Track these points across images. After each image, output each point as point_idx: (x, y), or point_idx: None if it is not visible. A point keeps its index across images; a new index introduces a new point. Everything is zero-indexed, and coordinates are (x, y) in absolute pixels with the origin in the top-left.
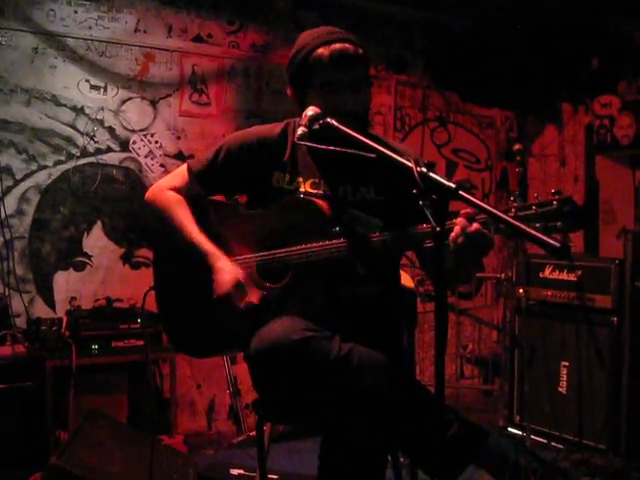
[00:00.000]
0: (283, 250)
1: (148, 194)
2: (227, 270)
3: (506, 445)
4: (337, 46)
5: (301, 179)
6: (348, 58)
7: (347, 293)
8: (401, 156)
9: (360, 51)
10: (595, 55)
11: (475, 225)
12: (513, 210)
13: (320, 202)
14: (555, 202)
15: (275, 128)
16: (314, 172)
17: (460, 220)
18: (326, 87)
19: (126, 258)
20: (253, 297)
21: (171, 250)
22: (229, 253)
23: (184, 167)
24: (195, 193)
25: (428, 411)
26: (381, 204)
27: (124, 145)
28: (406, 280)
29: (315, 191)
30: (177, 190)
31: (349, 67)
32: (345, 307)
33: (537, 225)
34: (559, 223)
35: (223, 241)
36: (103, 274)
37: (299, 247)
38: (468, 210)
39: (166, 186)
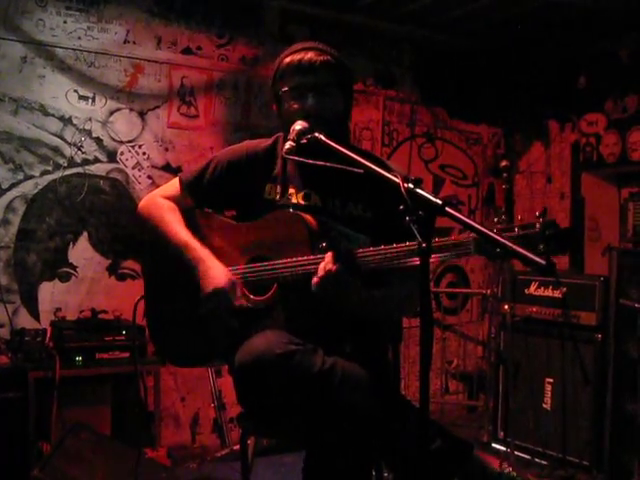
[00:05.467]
0: (269, 263)
1: (141, 203)
2: (218, 268)
3: (488, 464)
4: (300, 54)
5: (293, 191)
6: (310, 63)
7: (331, 308)
8: (389, 172)
9: (326, 57)
10: (582, 73)
11: (336, 266)
12: (495, 230)
13: (308, 217)
14: (538, 225)
15: (264, 142)
16: (305, 184)
17: (328, 255)
18: (292, 93)
19: (112, 269)
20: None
21: (160, 258)
22: None
23: (176, 179)
24: (187, 205)
25: (412, 425)
26: (368, 221)
27: (112, 156)
28: None
29: (306, 203)
30: (170, 200)
31: (311, 71)
32: (329, 322)
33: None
34: (541, 246)
35: (211, 250)
36: (88, 285)
37: (285, 261)
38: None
39: (158, 195)
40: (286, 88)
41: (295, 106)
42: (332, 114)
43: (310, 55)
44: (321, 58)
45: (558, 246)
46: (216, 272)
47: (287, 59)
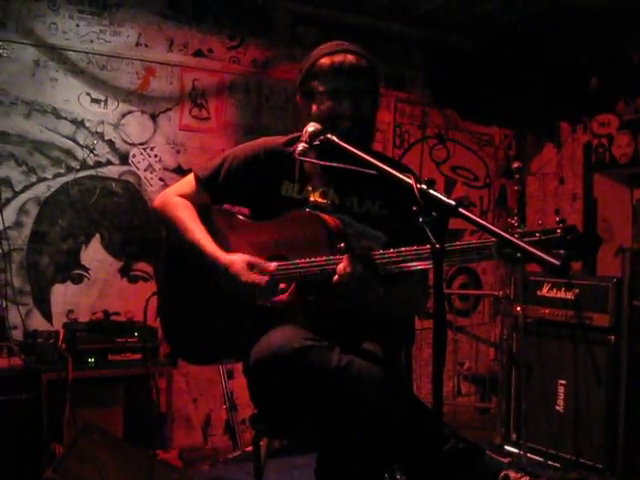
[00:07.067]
0: (288, 262)
1: (156, 201)
2: (239, 262)
3: (500, 463)
4: (339, 57)
5: (310, 188)
6: (349, 68)
7: (348, 307)
8: (402, 173)
9: (364, 63)
10: (594, 74)
11: (355, 267)
12: (516, 236)
13: (326, 217)
14: (559, 230)
15: (281, 139)
16: (322, 182)
17: (345, 257)
18: (327, 94)
19: (124, 272)
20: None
21: (176, 254)
22: None
23: (191, 175)
24: (202, 201)
25: (425, 426)
26: (385, 219)
27: (124, 158)
28: None
29: (323, 201)
30: (185, 197)
31: (349, 76)
32: (346, 321)
33: None
34: (562, 251)
35: (228, 250)
36: (101, 287)
37: (304, 260)
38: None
39: (174, 192)
40: (323, 89)
41: (331, 108)
42: (364, 119)
43: (351, 59)
44: (361, 63)
45: (579, 252)
46: (239, 270)
47: (326, 60)
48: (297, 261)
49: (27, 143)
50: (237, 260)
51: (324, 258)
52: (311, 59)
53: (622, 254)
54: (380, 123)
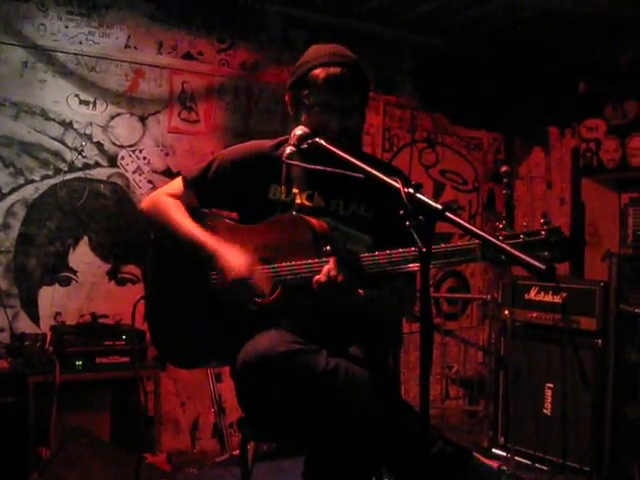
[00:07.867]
0: (274, 266)
1: (144, 203)
2: (235, 254)
3: (489, 467)
4: (332, 70)
5: (297, 191)
6: (341, 84)
7: (334, 310)
8: (390, 175)
9: (356, 78)
10: (582, 79)
11: (339, 273)
12: (500, 238)
13: (312, 220)
14: (543, 232)
15: (269, 142)
16: (309, 185)
17: (331, 260)
18: (317, 107)
19: (112, 274)
20: (265, 282)
21: (165, 256)
22: None
23: (179, 178)
24: (190, 203)
25: (413, 429)
26: (371, 221)
27: (112, 160)
28: None
29: (310, 204)
30: (173, 198)
31: (340, 93)
32: (333, 324)
33: None
34: (546, 253)
35: None
36: (88, 290)
37: (291, 264)
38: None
39: (162, 193)
40: (312, 102)
41: (319, 121)
42: (352, 133)
43: (342, 74)
44: (353, 78)
45: (563, 253)
46: (234, 259)
47: (319, 72)
48: (283, 264)
49: (15, 145)
50: (236, 255)
51: (311, 261)
52: (304, 66)
53: (609, 258)
54: (369, 126)
